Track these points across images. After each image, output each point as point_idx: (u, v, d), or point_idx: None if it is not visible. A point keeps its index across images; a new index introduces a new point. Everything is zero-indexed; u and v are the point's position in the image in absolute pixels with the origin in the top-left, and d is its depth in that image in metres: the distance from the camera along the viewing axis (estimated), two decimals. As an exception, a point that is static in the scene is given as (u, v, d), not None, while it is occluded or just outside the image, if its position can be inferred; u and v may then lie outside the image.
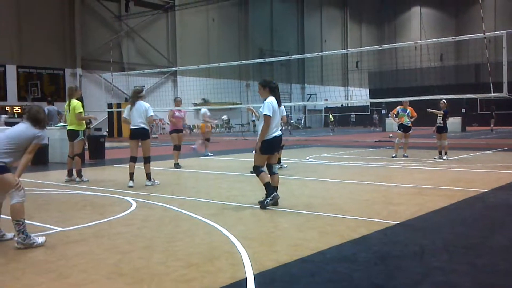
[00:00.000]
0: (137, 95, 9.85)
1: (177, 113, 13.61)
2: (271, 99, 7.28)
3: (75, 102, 10.46)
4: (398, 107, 15.33)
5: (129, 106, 9.85)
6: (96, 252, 5.01)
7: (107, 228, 6.10)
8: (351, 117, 51.55)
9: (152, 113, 9.87)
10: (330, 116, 44.66)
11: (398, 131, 15.42)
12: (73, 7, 34.94)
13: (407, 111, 15.08)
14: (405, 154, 15.06)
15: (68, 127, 10.60)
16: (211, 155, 16.57)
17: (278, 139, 7.31)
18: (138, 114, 9.70)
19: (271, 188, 7.12)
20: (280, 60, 41.78)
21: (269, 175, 7.22)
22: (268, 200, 7.10)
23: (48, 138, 14.60)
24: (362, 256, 4.77)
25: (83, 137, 10.59)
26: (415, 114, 15.19)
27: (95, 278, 4.20)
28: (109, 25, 38.22)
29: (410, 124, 15.15)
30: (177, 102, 14.25)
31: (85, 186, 9.88)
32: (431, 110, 14.74)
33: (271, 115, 7.13)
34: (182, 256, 4.81)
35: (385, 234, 5.61)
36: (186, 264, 4.57)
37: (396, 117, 15.33)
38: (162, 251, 5.01)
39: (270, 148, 7.26)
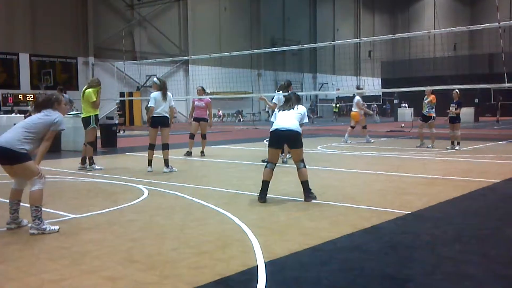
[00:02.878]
0: (166, 86, 10.47)
1: (196, 102, 13.61)
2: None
3: (87, 91, 10.64)
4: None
5: (158, 95, 10.18)
6: (108, 239, 5.05)
7: (120, 215, 6.15)
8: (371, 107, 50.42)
9: (173, 103, 10.47)
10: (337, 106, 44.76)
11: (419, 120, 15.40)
12: (86, -4, 35.02)
13: (427, 100, 14.85)
14: (429, 145, 14.80)
15: (82, 115, 10.83)
16: (373, 141, 17.13)
17: (279, 132, 6.99)
18: (165, 103, 10.22)
19: (263, 187, 6.93)
20: (292, 49, 41.56)
21: (271, 173, 7.00)
22: (257, 194, 7.02)
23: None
24: (373, 246, 4.77)
25: (94, 125, 10.68)
26: (432, 98, 14.87)
27: (108, 265, 4.24)
28: (121, 14, 38.24)
29: (429, 114, 14.88)
30: (198, 90, 14.18)
31: (97, 174, 9.95)
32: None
33: (273, 120, 7.43)
34: (194, 244, 4.84)
35: (396, 224, 5.60)
36: (198, 251, 4.60)
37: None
38: (174, 239, 5.05)
39: (271, 140, 7.12)
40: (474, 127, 27.21)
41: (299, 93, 8.06)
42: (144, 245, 4.84)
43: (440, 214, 6.12)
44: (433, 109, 14.96)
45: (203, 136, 13.53)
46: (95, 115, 10.66)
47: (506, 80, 14.01)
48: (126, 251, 4.63)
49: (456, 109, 14.19)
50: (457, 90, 14.51)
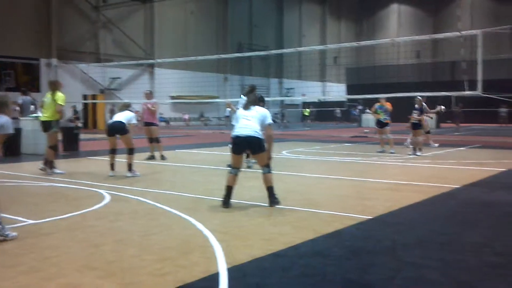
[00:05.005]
0: (125, 107, 10.64)
1: (144, 106, 13.74)
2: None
3: (59, 95, 10.26)
4: (376, 104, 15.50)
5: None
6: (68, 245, 4.95)
7: (80, 221, 6.04)
8: (336, 112, 50.41)
9: (135, 121, 10.47)
10: (307, 110, 44.93)
11: (376, 127, 15.71)
12: (50, -4, 34.40)
13: (383, 108, 15.25)
14: (391, 151, 15.00)
15: (43, 118, 10.44)
16: (436, 145, 16.66)
17: (239, 139, 6.94)
18: (120, 115, 10.23)
19: (226, 193, 6.92)
20: (259, 55, 41.64)
21: (235, 179, 6.96)
22: (221, 199, 6.99)
23: (21, 129, 14.47)
24: (335, 251, 4.80)
25: (56, 129, 10.40)
26: (389, 106, 15.38)
27: (66, 272, 4.15)
28: (86, 15, 37.69)
29: (386, 121, 15.27)
30: (146, 94, 14.30)
31: (58, 178, 9.75)
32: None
33: (234, 123, 7.61)
34: (156, 250, 4.79)
35: (358, 229, 5.65)
36: (160, 258, 4.55)
37: (376, 113, 15.55)
38: (136, 245, 4.98)
39: (234, 146, 7.10)
40: (435, 134, 27.72)
41: (266, 98, 8.07)
42: (104, 251, 4.75)
43: (401, 219, 6.21)
44: (389, 117, 15.35)
45: (156, 140, 13.45)
46: (56, 119, 10.36)
47: (466, 87, 14.35)
48: (86, 258, 4.54)
49: (418, 115, 14.48)
50: (419, 97, 14.81)
